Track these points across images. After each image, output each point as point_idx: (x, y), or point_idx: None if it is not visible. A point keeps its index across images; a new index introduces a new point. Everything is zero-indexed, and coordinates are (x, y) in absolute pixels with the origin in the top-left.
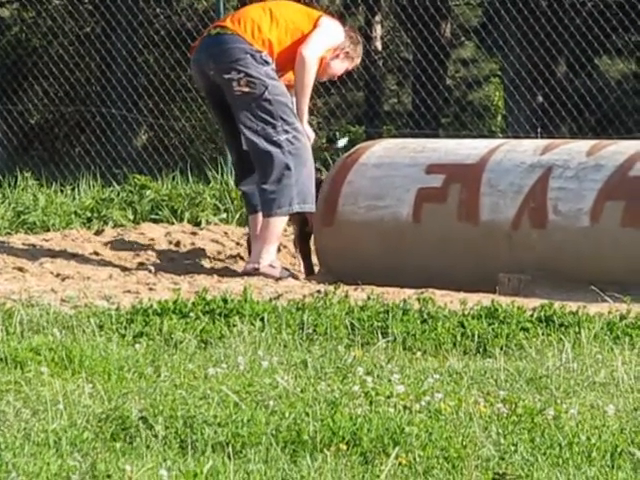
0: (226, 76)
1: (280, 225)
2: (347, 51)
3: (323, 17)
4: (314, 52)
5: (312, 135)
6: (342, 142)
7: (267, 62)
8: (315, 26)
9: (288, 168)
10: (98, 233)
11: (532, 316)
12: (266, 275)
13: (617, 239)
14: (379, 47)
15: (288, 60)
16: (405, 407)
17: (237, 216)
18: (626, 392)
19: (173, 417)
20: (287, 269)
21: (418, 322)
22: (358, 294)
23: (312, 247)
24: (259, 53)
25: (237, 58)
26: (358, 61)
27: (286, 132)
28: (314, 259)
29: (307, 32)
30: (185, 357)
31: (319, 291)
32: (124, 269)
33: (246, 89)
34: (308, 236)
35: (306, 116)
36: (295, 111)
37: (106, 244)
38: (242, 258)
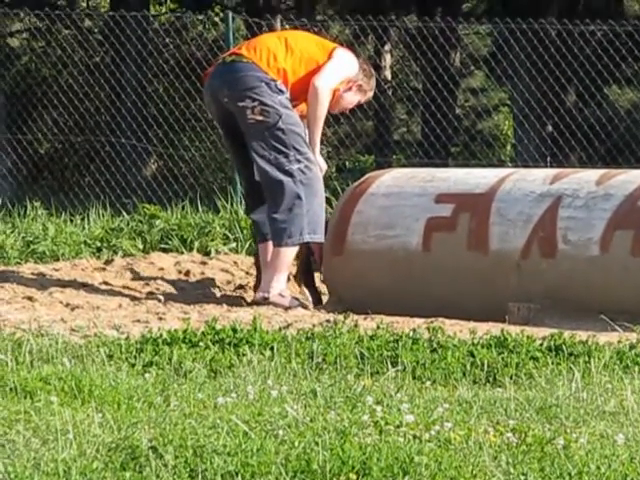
0: (240, 104)
1: (290, 255)
2: (360, 84)
3: (338, 48)
4: (327, 83)
5: (324, 166)
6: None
7: (282, 91)
8: (330, 57)
9: (299, 198)
10: (107, 263)
11: (542, 345)
12: (276, 304)
13: (627, 268)
14: (388, 76)
15: (302, 90)
16: (415, 436)
17: (247, 245)
18: (636, 421)
19: (183, 446)
20: (297, 298)
21: (428, 351)
22: (368, 323)
23: (317, 276)
24: (274, 82)
25: (252, 86)
26: (371, 95)
27: (298, 162)
28: (322, 288)
29: (321, 63)
30: (195, 386)
31: (328, 320)
32: (134, 299)
33: (260, 117)
34: (311, 266)
35: (318, 147)
36: (308, 141)
37: (116, 274)
38: (251, 287)
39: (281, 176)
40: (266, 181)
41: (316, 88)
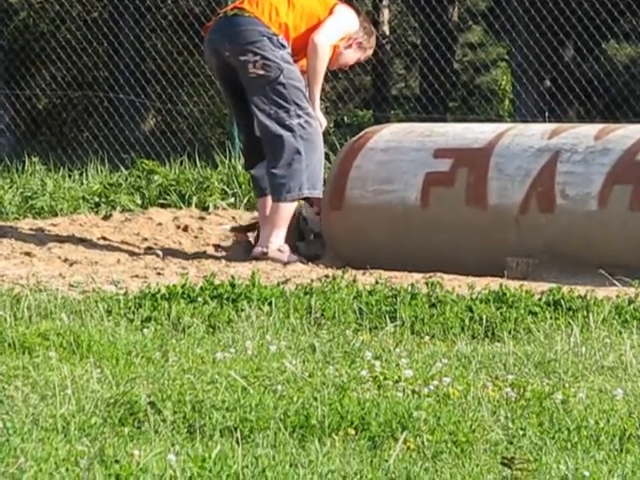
0: (242, 58)
1: (289, 210)
2: (360, 41)
3: (339, 4)
4: (327, 39)
5: (324, 121)
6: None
7: (283, 46)
8: (330, 13)
9: (299, 153)
10: (106, 218)
11: (540, 300)
12: (274, 259)
13: (625, 223)
14: (386, 31)
15: (302, 46)
16: (413, 391)
17: (245, 200)
18: (634, 376)
19: (181, 402)
20: (295, 254)
21: (426, 306)
22: (366, 278)
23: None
24: (276, 36)
25: (254, 40)
26: (370, 52)
27: (299, 117)
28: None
29: (322, 18)
30: (193, 342)
31: (327, 275)
32: (132, 254)
33: (261, 72)
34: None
35: (318, 102)
36: (308, 97)
37: (114, 229)
38: (250, 242)
39: (281, 130)
40: (266, 135)
41: (316, 44)
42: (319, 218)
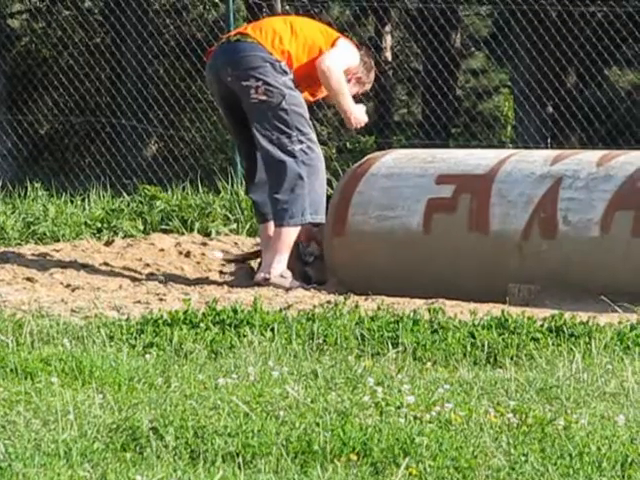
0: (244, 83)
1: (292, 235)
2: (360, 76)
3: (341, 38)
4: (335, 62)
5: (364, 117)
6: (217, 254)
7: (286, 72)
8: (332, 45)
9: (301, 178)
10: (108, 244)
11: (542, 326)
12: (276, 285)
13: (627, 249)
14: (389, 57)
15: (303, 77)
16: (415, 417)
17: (247, 226)
18: (636, 402)
19: (184, 427)
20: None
21: (428, 332)
22: (368, 304)
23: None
24: (278, 62)
25: (256, 66)
26: (368, 87)
27: (300, 142)
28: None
29: (324, 50)
30: (195, 367)
31: (329, 301)
32: (134, 280)
33: (263, 97)
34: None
35: (352, 108)
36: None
37: (116, 255)
38: (252, 268)
39: (283, 156)
40: (268, 161)
41: (327, 67)
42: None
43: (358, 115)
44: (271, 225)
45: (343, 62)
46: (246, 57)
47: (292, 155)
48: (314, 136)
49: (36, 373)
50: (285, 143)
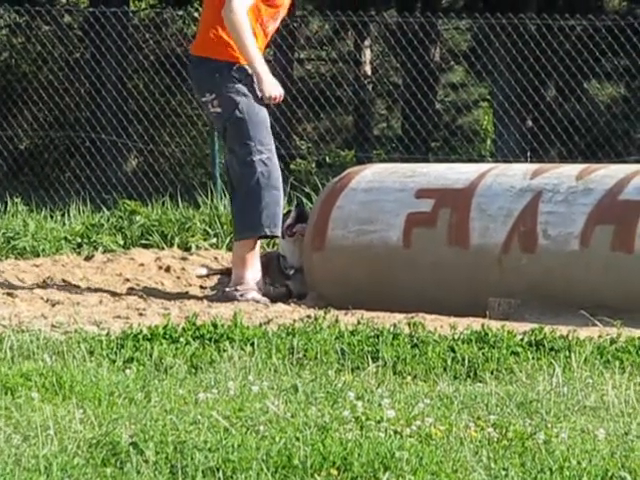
0: (202, 99)
1: (246, 248)
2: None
3: None
4: (237, 7)
5: (277, 90)
6: (202, 271)
7: (235, 76)
8: None
9: (258, 191)
10: (88, 259)
11: (522, 340)
12: (228, 299)
13: (607, 263)
14: (368, 71)
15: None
16: (396, 432)
17: (227, 241)
18: (616, 416)
19: (164, 442)
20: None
21: (408, 347)
22: (348, 319)
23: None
24: (229, 68)
25: (206, 79)
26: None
27: (260, 152)
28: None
29: None
30: (175, 382)
31: (309, 316)
32: (114, 294)
33: (219, 109)
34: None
35: (257, 61)
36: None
37: (96, 269)
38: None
39: (242, 168)
40: (230, 172)
41: (227, 18)
42: (298, 252)
43: (269, 84)
44: None
45: (242, 2)
46: (197, 74)
47: (250, 166)
48: (273, 147)
49: (16, 388)
50: (244, 154)
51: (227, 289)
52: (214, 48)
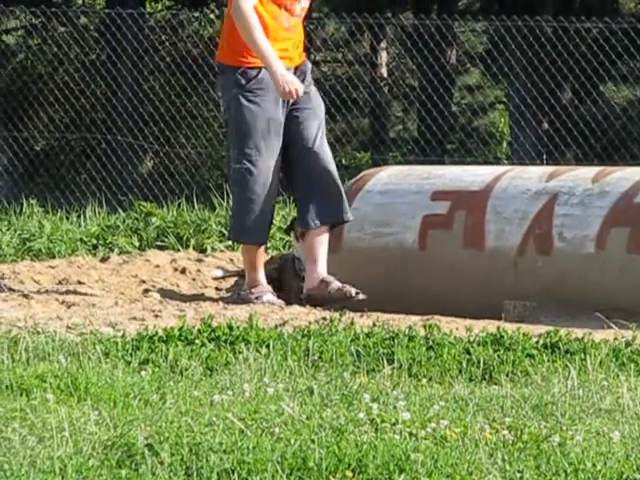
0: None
1: (250, 251)
2: None
3: None
4: (241, 4)
5: (298, 85)
6: (217, 272)
7: (236, 82)
8: None
9: (236, 196)
10: (104, 260)
11: (538, 343)
12: (249, 302)
13: (623, 265)
14: (385, 74)
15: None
16: (411, 434)
17: None
18: (632, 419)
19: (179, 444)
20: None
21: (424, 349)
22: (364, 321)
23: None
24: (233, 72)
25: (218, 84)
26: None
27: (239, 162)
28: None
29: None
30: (191, 384)
31: (325, 318)
32: (130, 296)
33: (225, 115)
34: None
35: (274, 64)
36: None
37: (112, 271)
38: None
39: (231, 174)
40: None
41: (234, 17)
42: None
43: (283, 80)
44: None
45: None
46: (218, 82)
47: (233, 172)
48: (258, 157)
49: (31, 390)
50: (233, 160)
51: (242, 292)
52: (222, 53)
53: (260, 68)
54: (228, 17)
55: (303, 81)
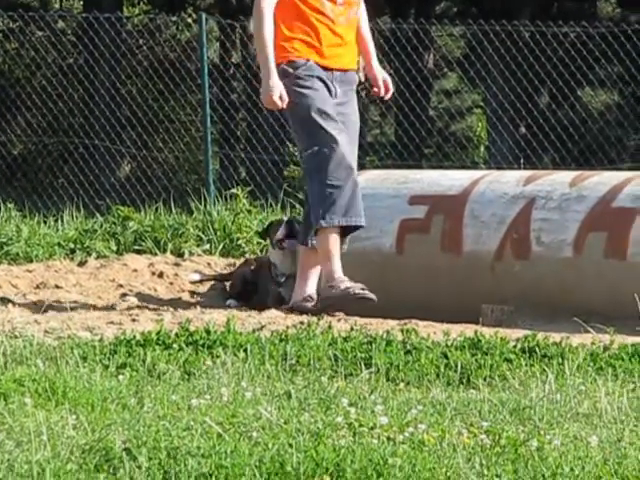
0: None
1: (325, 242)
2: None
3: None
4: (258, 1)
5: (268, 100)
6: (195, 276)
7: (285, 73)
8: None
9: (316, 183)
10: (81, 264)
11: (515, 347)
12: (300, 310)
13: (600, 270)
14: (362, 78)
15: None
16: (388, 438)
17: (220, 247)
18: (609, 423)
19: (157, 448)
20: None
21: (401, 353)
22: (341, 325)
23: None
24: (281, 67)
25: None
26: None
27: (309, 147)
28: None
29: None
30: (168, 388)
31: (302, 322)
32: (107, 300)
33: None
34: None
35: (270, 69)
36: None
37: (89, 275)
38: (225, 289)
39: (303, 165)
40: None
41: (253, 10)
42: (288, 260)
43: (264, 91)
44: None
45: None
46: None
47: (306, 160)
48: (326, 137)
49: (9, 394)
50: (303, 148)
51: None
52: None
53: (307, 59)
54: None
55: (345, 91)
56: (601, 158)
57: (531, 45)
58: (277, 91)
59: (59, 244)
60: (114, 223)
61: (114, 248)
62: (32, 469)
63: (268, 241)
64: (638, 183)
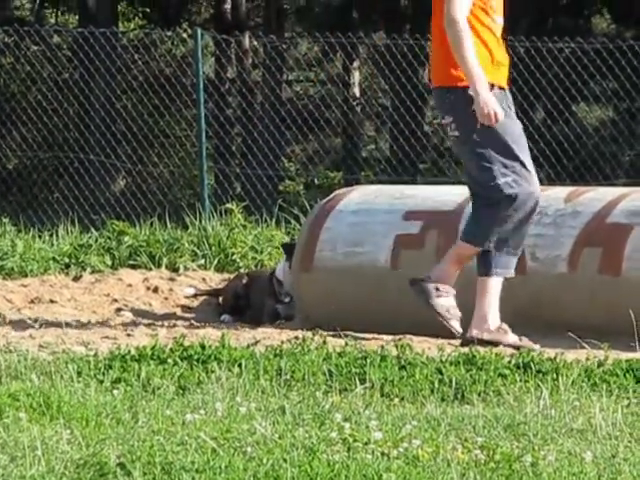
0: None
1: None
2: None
3: None
4: (456, 10)
5: (499, 110)
6: (189, 291)
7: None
8: None
9: (505, 217)
10: (76, 279)
11: (510, 362)
12: (492, 342)
13: (595, 286)
14: (357, 93)
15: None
16: (383, 453)
17: (215, 262)
18: (603, 439)
19: (151, 463)
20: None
21: (396, 368)
22: (336, 340)
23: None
24: (463, 91)
25: (449, 107)
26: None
27: (504, 175)
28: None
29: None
30: (163, 403)
31: (297, 337)
32: (102, 315)
33: (457, 133)
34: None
35: (479, 83)
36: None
37: (84, 290)
38: (219, 304)
39: (489, 193)
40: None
41: (446, 22)
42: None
43: (490, 105)
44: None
45: (458, 4)
46: (440, 101)
47: (494, 189)
48: (522, 169)
49: (4, 408)
50: (490, 177)
51: (474, 332)
52: (443, 76)
53: (492, 84)
54: (443, 37)
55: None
56: (596, 174)
57: (526, 60)
58: (493, 105)
59: (54, 259)
60: (109, 238)
61: (109, 263)
62: None
63: (285, 257)
64: (633, 199)
